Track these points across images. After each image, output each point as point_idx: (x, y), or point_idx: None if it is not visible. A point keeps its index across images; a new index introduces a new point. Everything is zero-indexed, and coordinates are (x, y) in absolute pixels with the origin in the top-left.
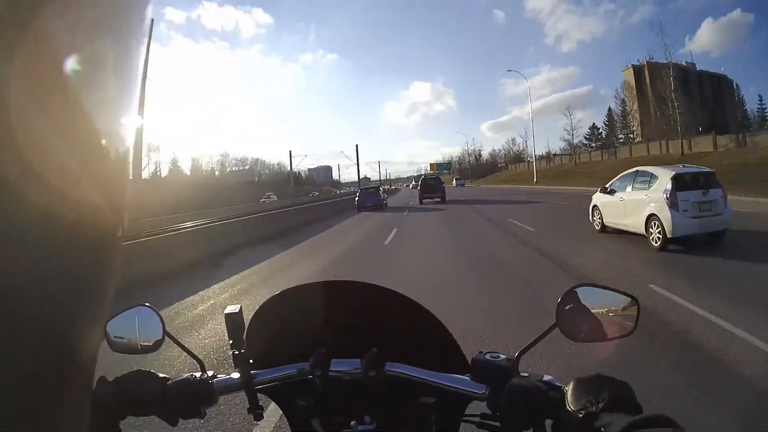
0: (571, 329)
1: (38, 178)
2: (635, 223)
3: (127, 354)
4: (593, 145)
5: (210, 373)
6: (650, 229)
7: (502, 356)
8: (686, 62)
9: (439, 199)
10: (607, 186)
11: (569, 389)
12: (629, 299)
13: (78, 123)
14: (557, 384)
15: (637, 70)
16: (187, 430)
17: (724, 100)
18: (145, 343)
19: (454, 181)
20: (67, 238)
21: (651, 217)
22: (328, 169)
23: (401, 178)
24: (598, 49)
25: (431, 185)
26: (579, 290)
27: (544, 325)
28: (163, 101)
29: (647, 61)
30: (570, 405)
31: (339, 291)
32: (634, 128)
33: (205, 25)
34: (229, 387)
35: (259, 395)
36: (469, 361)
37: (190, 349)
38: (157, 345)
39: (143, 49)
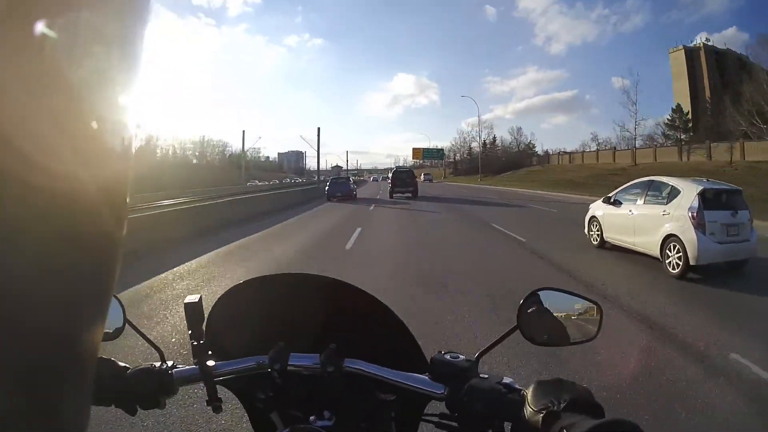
0: (532, 332)
1: (38, 172)
2: (647, 243)
3: None
4: (683, 137)
5: (170, 363)
6: (667, 252)
7: (462, 357)
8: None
9: (410, 195)
10: (610, 195)
11: (529, 391)
12: (592, 304)
13: (78, 114)
14: (517, 386)
15: (690, 54)
16: (147, 420)
17: None
18: (106, 331)
19: (422, 176)
20: (67, 234)
21: (669, 238)
22: (299, 155)
23: (378, 170)
24: (587, 54)
25: (403, 179)
26: (542, 294)
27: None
28: (145, 77)
29: (704, 44)
30: (530, 406)
31: (300, 284)
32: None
33: (191, 0)
34: (189, 378)
35: (219, 387)
36: (429, 361)
37: (151, 339)
38: (118, 333)
39: (143, 42)
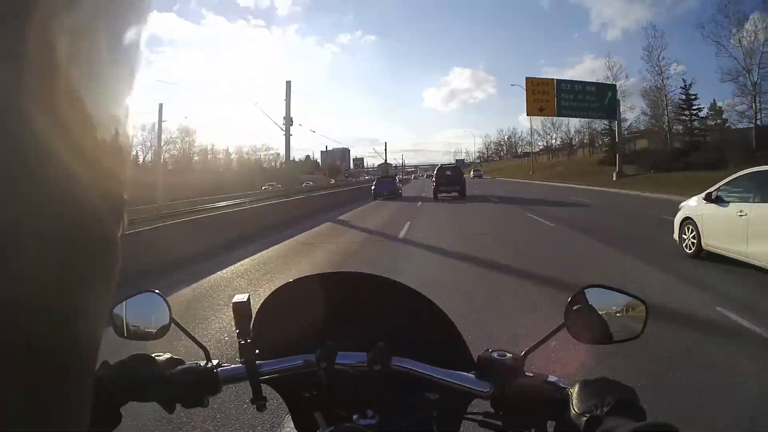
0: (578, 330)
1: (36, 169)
2: None
3: (132, 340)
4: None
5: (215, 361)
6: None
7: (509, 355)
8: None
9: (457, 194)
10: (711, 191)
11: (574, 391)
12: (638, 302)
13: (76, 112)
14: (562, 385)
15: None
16: (189, 418)
17: None
18: (151, 330)
19: (471, 173)
20: (67, 224)
21: None
22: (345, 152)
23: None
24: (643, 39)
25: (448, 176)
26: (588, 291)
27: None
28: (199, 84)
29: None
30: (574, 407)
31: (348, 283)
32: None
33: (238, 2)
34: (234, 377)
35: (264, 386)
36: (476, 359)
37: (196, 337)
38: (164, 331)
39: (140, 39)
